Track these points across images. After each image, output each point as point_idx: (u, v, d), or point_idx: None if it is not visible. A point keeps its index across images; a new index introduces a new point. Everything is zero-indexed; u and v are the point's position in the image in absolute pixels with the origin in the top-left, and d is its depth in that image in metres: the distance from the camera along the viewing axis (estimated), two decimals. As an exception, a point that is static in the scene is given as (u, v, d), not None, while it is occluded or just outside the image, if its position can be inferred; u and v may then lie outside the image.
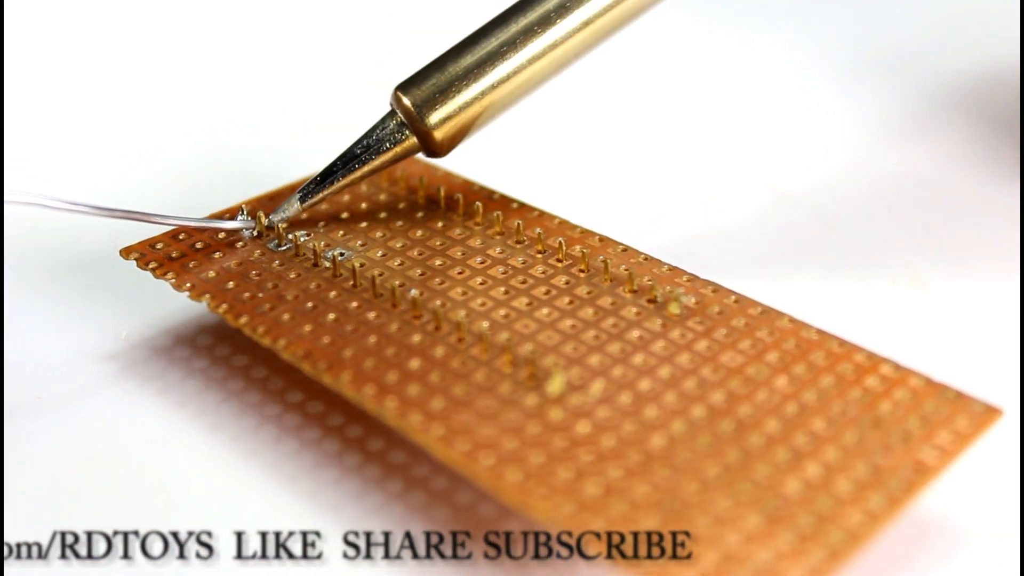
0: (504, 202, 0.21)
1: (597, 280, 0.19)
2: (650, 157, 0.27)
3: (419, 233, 0.21)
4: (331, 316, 0.19)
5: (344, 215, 0.21)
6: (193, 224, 0.20)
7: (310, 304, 0.19)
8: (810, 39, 0.32)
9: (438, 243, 0.20)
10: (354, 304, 0.19)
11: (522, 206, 0.21)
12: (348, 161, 0.20)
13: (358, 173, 0.20)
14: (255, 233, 0.20)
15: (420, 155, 0.21)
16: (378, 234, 0.21)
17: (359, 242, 0.20)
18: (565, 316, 0.19)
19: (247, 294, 0.19)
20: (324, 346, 0.18)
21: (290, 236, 0.20)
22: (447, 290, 0.19)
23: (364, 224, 0.21)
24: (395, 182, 0.22)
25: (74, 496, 0.18)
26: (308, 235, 0.20)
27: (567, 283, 0.19)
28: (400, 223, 0.21)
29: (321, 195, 0.21)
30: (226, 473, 0.18)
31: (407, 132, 0.20)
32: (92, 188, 0.25)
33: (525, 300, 0.19)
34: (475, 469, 0.16)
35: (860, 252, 0.23)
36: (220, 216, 0.21)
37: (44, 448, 0.19)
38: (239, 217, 0.21)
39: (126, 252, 0.20)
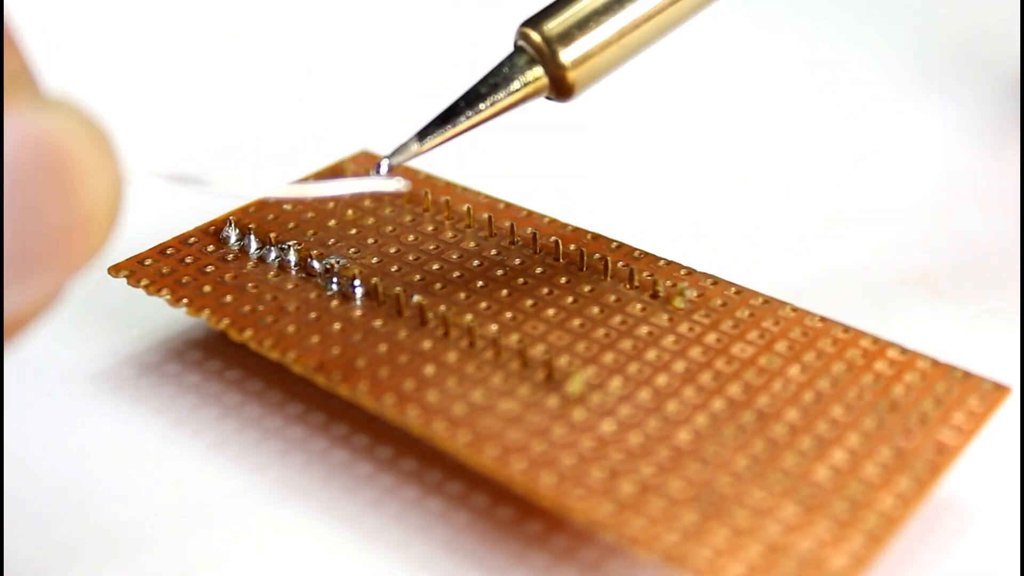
0: (492, 203, 0.21)
1: (597, 277, 0.19)
2: (657, 153, 0.27)
3: (411, 238, 0.20)
4: (337, 326, 0.18)
5: (332, 223, 0.21)
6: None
7: (313, 314, 0.19)
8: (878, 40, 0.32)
9: (432, 247, 0.20)
10: (358, 313, 0.19)
11: (509, 206, 0.21)
12: (472, 101, 0.19)
13: (483, 114, 0.19)
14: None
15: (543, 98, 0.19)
16: (370, 240, 0.20)
17: (352, 249, 0.20)
18: (572, 315, 0.19)
19: (247, 307, 0.19)
20: (335, 357, 0.18)
21: (282, 247, 0.20)
22: (449, 295, 0.19)
23: (354, 231, 0.21)
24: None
25: (78, 520, 0.18)
26: (299, 245, 0.20)
27: (567, 282, 0.19)
28: (391, 229, 0.21)
29: (443, 137, 0.19)
30: (234, 490, 0.18)
31: (538, 71, 0.19)
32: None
33: (530, 301, 0.19)
34: (508, 474, 0.16)
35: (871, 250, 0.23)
36: (207, 228, 0.21)
37: (42, 475, 0.18)
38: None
39: (115, 270, 0.20)
